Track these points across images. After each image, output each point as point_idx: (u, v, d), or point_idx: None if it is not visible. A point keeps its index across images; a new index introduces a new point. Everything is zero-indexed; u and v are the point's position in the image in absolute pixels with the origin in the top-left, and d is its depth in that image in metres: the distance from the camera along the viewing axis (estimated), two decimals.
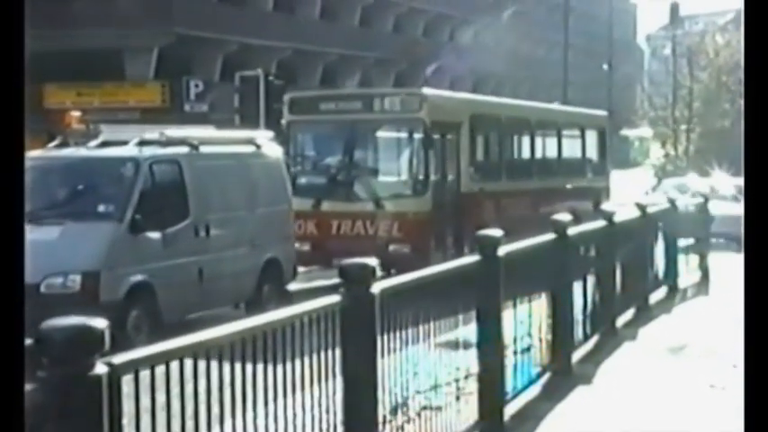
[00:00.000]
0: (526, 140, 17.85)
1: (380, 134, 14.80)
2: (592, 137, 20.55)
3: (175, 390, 3.06)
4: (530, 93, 48.28)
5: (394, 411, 4.77)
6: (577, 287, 8.20)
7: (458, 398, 5.59)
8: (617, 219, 9.46)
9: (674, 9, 46.43)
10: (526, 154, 17.93)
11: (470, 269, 5.95)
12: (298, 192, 13.78)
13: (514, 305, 6.56)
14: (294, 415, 3.85)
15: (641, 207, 11.02)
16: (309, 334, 3.95)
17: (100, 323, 2.54)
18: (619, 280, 9.53)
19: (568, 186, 18.43)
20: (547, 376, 7.17)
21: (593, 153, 20.58)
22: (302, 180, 14.53)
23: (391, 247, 13.26)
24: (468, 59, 46.56)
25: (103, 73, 30.92)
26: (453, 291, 5.61)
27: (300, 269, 14.74)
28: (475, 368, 5.80)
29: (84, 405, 2.43)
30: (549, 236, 7.57)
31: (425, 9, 46.27)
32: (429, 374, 5.22)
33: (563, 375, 7.34)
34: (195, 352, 3.17)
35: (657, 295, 11.43)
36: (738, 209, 11.46)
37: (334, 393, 4.14)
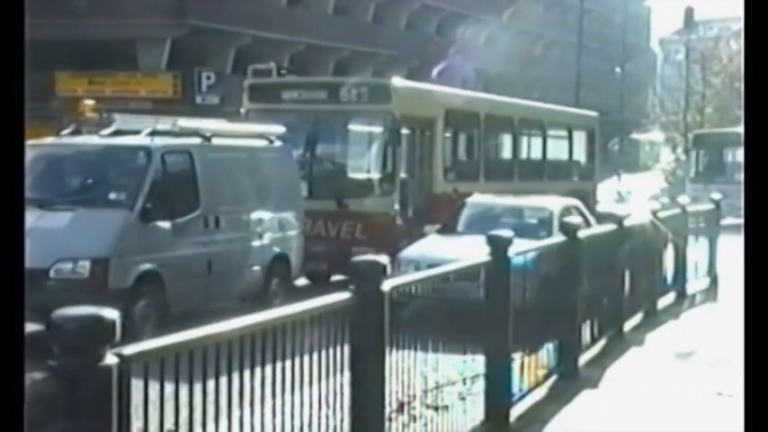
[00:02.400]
0: (508, 139, 16.92)
1: (346, 127, 13.63)
2: (580, 138, 19.64)
3: (184, 382, 3.05)
4: (542, 95, 48.21)
5: (401, 409, 4.76)
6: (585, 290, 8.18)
7: (464, 398, 5.58)
8: (626, 223, 9.43)
9: (689, 13, 46.23)
10: (507, 154, 17.01)
11: (480, 268, 5.95)
12: None
13: (523, 305, 6.54)
14: (302, 410, 3.85)
15: (651, 212, 10.98)
16: (319, 330, 3.94)
17: (111, 313, 2.53)
18: (627, 284, 9.50)
19: (552, 189, 17.54)
20: (553, 379, 7.15)
21: (580, 155, 19.69)
22: None
23: (354, 250, 12.23)
24: (479, 59, 46.49)
25: (116, 62, 30.95)
26: (464, 290, 5.60)
27: None
28: (481, 368, 5.80)
29: (94, 395, 2.43)
30: (559, 238, 7.56)
31: (439, 7, 46.20)
32: (436, 373, 5.22)
33: (569, 378, 7.32)
34: (205, 345, 3.16)
35: (666, 300, 11.39)
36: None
37: (341, 389, 4.14)
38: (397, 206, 12.80)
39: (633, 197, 23.51)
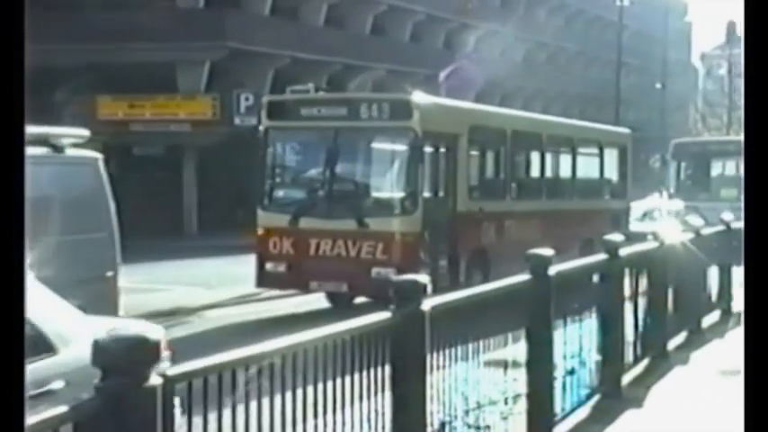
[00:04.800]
0: (535, 157, 16.33)
1: (366, 144, 13.25)
2: (611, 156, 18.96)
3: (227, 401, 3.06)
4: (581, 111, 48.02)
5: (442, 429, 4.74)
6: (628, 308, 8.10)
7: (506, 417, 5.55)
8: (669, 240, 9.33)
9: (731, 28, 45.87)
10: (535, 172, 16.39)
11: (521, 288, 5.91)
12: (274, 206, 13.00)
13: (564, 325, 6.50)
14: (343, 430, 3.85)
15: (695, 229, 10.85)
16: (360, 349, 3.94)
17: (155, 334, 2.55)
18: (671, 302, 9.40)
19: (582, 209, 16.97)
20: (596, 398, 7.08)
21: (612, 173, 19.01)
22: (279, 193, 13.42)
23: (374, 271, 12.05)
24: (517, 76, 46.44)
25: (156, 86, 31.35)
26: (503, 309, 5.58)
27: (274, 292, 13.88)
28: (523, 388, 5.75)
29: (139, 416, 2.45)
30: (601, 256, 7.50)
31: (476, 25, 46.28)
32: (478, 393, 5.19)
33: (612, 398, 7.24)
34: (248, 364, 3.17)
35: (710, 319, 11.24)
36: None
37: (382, 409, 4.13)
38: (419, 225, 12.38)
39: (662, 215, 22.27)
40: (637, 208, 21.93)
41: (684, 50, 74.87)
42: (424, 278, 4.43)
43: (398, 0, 40.77)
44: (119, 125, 30.90)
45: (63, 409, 2.29)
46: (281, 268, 12.63)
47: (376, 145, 13.40)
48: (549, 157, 16.49)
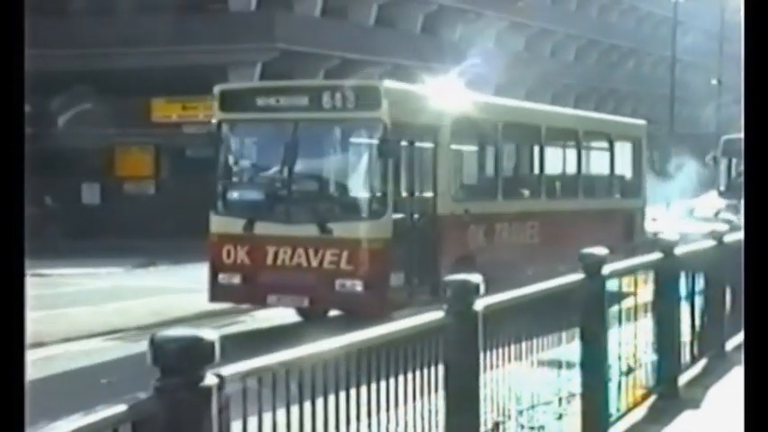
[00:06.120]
0: (534, 152, 14.63)
1: (330, 138, 11.68)
2: (624, 150, 16.95)
3: (281, 402, 3.08)
4: (634, 109, 47.47)
5: (495, 429, 4.72)
6: (685, 308, 7.99)
7: (560, 418, 5.50)
8: (727, 239, 9.18)
9: None
10: (533, 168, 14.70)
11: (574, 287, 5.87)
12: (228, 209, 11.60)
13: (619, 324, 6.43)
14: (396, 430, 3.85)
15: (732, 226, 10.65)
16: (413, 349, 3.94)
17: (211, 334, 2.58)
18: (728, 302, 9.24)
19: (589, 209, 15.12)
20: (652, 399, 6.99)
21: (624, 169, 17.01)
22: (233, 195, 11.88)
23: (338, 283, 10.76)
24: (571, 74, 46.04)
25: (209, 87, 31.63)
26: (556, 308, 5.54)
27: (227, 305, 12.48)
28: (577, 388, 5.71)
29: (195, 415, 2.47)
30: (656, 255, 7.41)
31: (527, 24, 45.98)
32: (531, 393, 5.16)
33: (669, 399, 7.15)
34: (301, 365, 3.19)
35: None
36: None
37: (435, 409, 4.12)
38: (389, 231, 10.89)
39: (701, 213, 21.55)
40: (685, 206, 21.50)
41: (740, 45, 73.55)
42: (476, 278, 4.40)
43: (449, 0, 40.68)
44: (172, 127, 31.33)
45: (122, 408, 2.32)
46: (236, 280, 11.29)
47: (341, 139, 11.82)
48: (549, 151, 14.60)
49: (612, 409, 6.14)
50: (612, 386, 6.16)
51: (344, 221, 11.03)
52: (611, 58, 54.82)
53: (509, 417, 4.89)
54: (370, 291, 10.65)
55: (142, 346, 2.56)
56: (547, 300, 5.38)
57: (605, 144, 16.39)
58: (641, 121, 18.84)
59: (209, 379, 2.55)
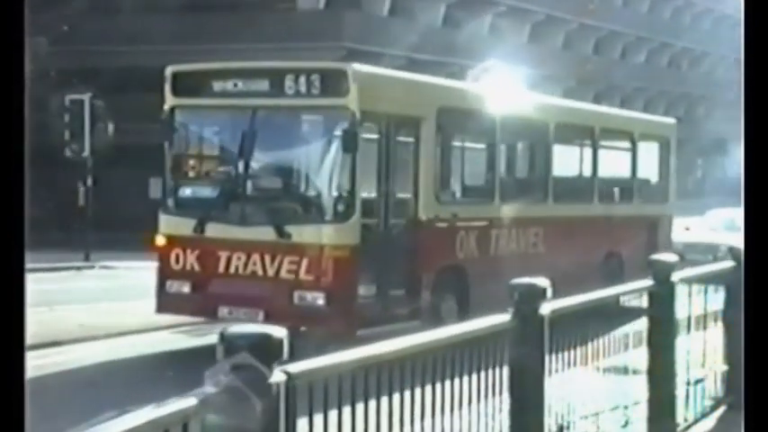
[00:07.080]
0: (539, 150, 13.08)
1: (292, 128, 10.39)
2: (648, 150, 15.23)
3: (346, 401, 3.09)
4: (687, 111, 46.68)
5: None
6: None
7: (625, 425, 5.43)
8: None
9: None
10: (538, 168, 13.16)
11: (643, 293, 5.79)
12: (177, 208, 10.32)
13: (688, 332, 6.32)
14: (461, 431, 3.84)
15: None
16: (478, 352, 3.93)
17: (279, 332, 2.59)
18: None
19: (604, 215, 13.62)
20: (721, 410, 6.85)
21: (649, 171, 15.28)
22: (184, 191, 10.55)
23: (297, 296, 9.47)
24: (616, 75, 45.35)
25: None
26: (623, 314, 5.47)
27: (175, 318, 11.03)
28: (644, 395, 5.62)
29: (263, 412, 2.49)
30: (728, 263, 7.26)
31: (596, 26, 45.50)
32: (596, 399, 5.10)
33: (738, 410, 6.98)
34: (367, 365, 3.20)
35: None
36: None
37: (500, 412, 4.10)
38: (356, 236, 9.52)
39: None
40: (724, 216, 20.38)
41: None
42: (544, 281, 4.35)
43: (517, 1, 40.42)
44: None
45: (192, 402, 2.35)
46: (185, 289, 10.01)
47: (304, 129, 10.61)
48: (558, 150, 13.00)
49: (680, 419, 6.04)
50: (680, 395, 6.06)
51: (305, 224, 9.65)
52: (683, 61, 53.97)
53: (573, 422, 4.83)
54: (333, 305, 9.33)
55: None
56: (615, 305, 5.31)
57: (627, 144, 14.77)
58: (670, 120, 17.19)
59: (277, 375, 2.57)
